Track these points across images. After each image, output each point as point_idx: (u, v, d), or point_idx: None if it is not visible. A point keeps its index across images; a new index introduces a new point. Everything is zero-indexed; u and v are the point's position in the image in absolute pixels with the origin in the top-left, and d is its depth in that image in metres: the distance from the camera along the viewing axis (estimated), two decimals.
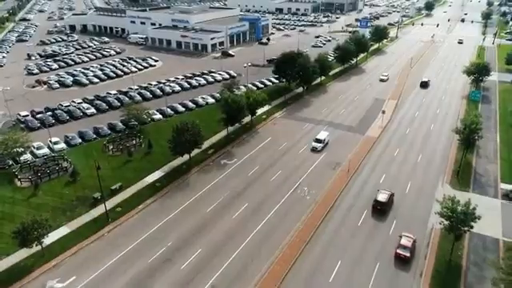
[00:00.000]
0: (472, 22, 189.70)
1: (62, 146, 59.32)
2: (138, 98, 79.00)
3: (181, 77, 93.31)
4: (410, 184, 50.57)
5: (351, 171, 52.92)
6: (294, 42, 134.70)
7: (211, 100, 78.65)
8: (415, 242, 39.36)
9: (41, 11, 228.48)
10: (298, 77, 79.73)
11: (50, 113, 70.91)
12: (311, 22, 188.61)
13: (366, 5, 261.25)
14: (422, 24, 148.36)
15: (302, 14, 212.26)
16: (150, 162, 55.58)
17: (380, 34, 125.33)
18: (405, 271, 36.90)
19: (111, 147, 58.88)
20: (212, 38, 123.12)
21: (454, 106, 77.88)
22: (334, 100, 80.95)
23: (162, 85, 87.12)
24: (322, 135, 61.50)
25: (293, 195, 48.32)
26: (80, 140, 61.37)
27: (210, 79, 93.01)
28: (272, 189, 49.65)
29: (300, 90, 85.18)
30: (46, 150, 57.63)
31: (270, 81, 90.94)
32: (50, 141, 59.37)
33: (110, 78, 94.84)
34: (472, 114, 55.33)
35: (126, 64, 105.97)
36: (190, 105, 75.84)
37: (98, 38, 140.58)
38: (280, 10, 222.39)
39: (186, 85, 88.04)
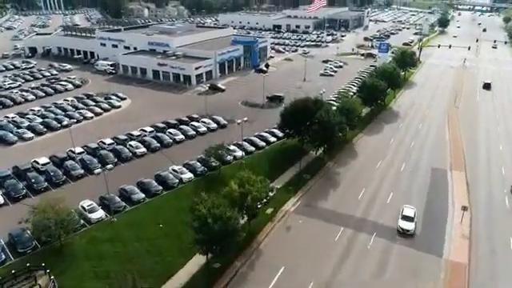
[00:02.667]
0: (495, 42, 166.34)
1: None
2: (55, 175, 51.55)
3: (149, 129, 66.66)
4: None
5: None
6: (298, 69, 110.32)
7: (187, 176, 52.01)
8: None
9: (9, 28, 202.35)
10: (317, 137, 53.41)
11: None
12: (314, 41, 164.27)
13: (370, 20, 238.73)
14: (450, 46, 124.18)
15: (303, 32, 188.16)
16: None
17: (407, 60, 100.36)
18: None
19: None
20: (197, 68, 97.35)
21: None
22: (370, 171, 54.61)
23: (117, 145, 60.56)
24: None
25: None
26: None
27: (191, 131, 66.60)
28: None
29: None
30: None
31: (274, 134, 64.78)
32: None
33: (52, 129, 68.22)
34: None
35: (80, 106, 79.42)
36: (154, 187, 48.93)
37: (58, 65, 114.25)
38: (278, 27, 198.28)
39: (155, 143, 61.44)
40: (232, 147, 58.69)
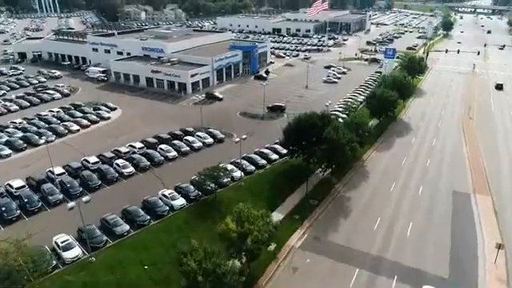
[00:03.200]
0: (504, 46, 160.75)
1: None
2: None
3: (139, 144, 60.69)
4: None
5: None
6: (300, 75, 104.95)
7: (179, 202, 46.00)
8: None
9: (1, 32, 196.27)
10: (325, 157, 47.55)
11: None
12: (316, 45, 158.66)
13: (372, 23, 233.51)
14: (458, 51, 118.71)
15: (304, 36, 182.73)
16: None
17: (415, 67, 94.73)
18: None
19: None
20: (193, 75, 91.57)
21: None
22: (384, 195, 48.74)
23: (102, 163, 54.62)
24: None
25: None
26: None
27: (184, 147, 60.68)
28: None
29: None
30: None
31: (276, 151, 58.93)
32: None
33: (33, 145, 62.13)
34: None
35: (66, 117, 73.56)
36: (140, 217, 42.82)
37: (47, 72, 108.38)
38: (278, 31, 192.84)
39: (144, 161, 55.51)
40: (230, 166, 52.96)
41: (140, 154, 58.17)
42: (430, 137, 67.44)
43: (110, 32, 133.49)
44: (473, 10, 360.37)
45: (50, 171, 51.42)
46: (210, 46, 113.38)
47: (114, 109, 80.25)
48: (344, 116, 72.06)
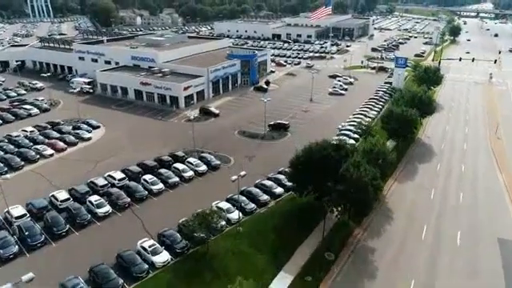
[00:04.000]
0: None
1: None
2: None
3: (119, 175, 51.55)
4: None
5: None
6: (303, 86, 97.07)
7: (161, 258, 36.59)
8: None
9: None
10: (343, 199, 38.50)
11: None
12: (318, 52, 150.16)
13: (374, 28, 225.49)
14: (473, 60, 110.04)
15: (305, 42, 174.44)
16: None
17: (431, 78, 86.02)
18: None
19: None
20: (186, 88, 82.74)
21: None
22: (415, 246, 39.37)
23: (74, 200, 45.50)
24: None
25: None
26: None
27: (173, 178, 51.57)
28: None
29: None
30: None
31: (280, 182, 50.02)
32: None
33: None
34: None
35: (40, 138, 64.53)
36: (111, 281, 32.89)
37: (29, 83, 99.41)
38: (278, 37, 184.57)
39: (124, 197, 46.30)
40: (225, 205, 44.16)
41: (120, 186, 49.35)
42: (457, 162, 58.51)
43: (98, 39, 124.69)
44: (475, 14, 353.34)
45: (7, 212, 42.41)
46: (207, 55, 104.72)
47: (97, 127, 71.34)
48: (356, 136, 63.58)
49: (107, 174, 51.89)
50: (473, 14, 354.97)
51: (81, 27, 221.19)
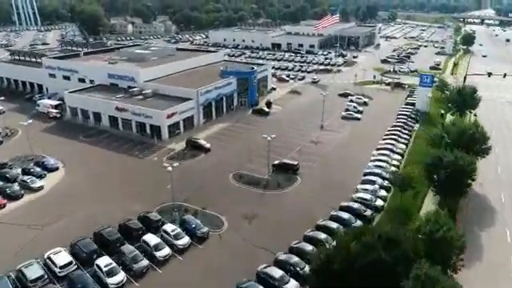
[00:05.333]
0: None
1: None
2: None
3: (64, 258, 35.69)
4: None
5: None
6: (311, 108, 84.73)
7: None
8: None
9: None
10: None
11: None
12: (323, 64, 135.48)
13: (381, 37, 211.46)
14: (504, 75, 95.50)
15: (307, 52, 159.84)
16: None
17: (467, 101, 71.12)
18: None
19: None
20: (170, 115, 67.59)
21: None
22: None
23: None
24: None
25: None
26: None
27: (140, 262, 35.72)
28: None
29: None
30: None
31: (296, 272, 34.79)
32: None
33: None
34: None
35: None
36: None
37: None
38: (278, 46, 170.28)
39: None
40: None
41: (62, 276, 34.09)
42: None
43: (76, 51, 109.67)
44: (480, 21, 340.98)
45: None
46: (198, 71, 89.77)
47: (55, 169, 55.99)
48: (386, 184, 48.72)
49: (47, 254, 36.52)
50: (477, 20, 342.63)
51: (67, 36, 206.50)
